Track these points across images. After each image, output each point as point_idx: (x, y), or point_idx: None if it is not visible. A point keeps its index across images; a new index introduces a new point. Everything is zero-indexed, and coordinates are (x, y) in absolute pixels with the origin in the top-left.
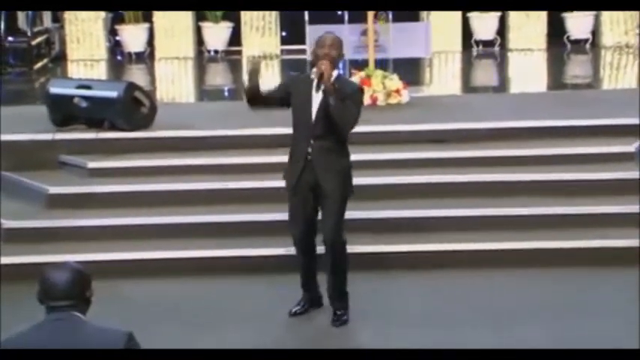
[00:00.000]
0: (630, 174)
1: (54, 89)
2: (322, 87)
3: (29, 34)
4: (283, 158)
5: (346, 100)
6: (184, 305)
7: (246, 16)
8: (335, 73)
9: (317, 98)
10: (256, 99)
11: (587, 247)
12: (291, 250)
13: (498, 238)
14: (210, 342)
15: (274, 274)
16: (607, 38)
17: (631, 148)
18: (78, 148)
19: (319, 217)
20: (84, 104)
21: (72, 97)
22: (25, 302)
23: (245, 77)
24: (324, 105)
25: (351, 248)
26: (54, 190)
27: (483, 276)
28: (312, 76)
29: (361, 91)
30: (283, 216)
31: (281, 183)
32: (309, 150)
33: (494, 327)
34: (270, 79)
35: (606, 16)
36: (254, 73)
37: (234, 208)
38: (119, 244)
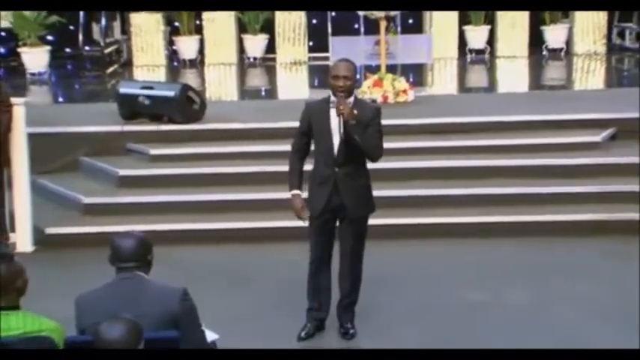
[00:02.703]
0: (596, 160)
1: (122, 89)
2: (345, 123)
3: (102, 44)
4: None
5: (369, 129)
6: (225, 267)
7: (279, 28)
8: (352, 99)
9: (337, 127)
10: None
11: (561, 221)
12: None
13: (488, 212)
14: (244, 298)
15: (301, 242)
16: (579, 47)
17: (597, 138)
18: (142, 138)
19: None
20: (147, 102)
21: (137, 96)
22: (99, 264)
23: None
24: (345, 135)
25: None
26: (123, 172)
27: (474, 244)
28: (331, 105)
29: (379, 111)
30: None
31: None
32: (335, 176)
33: (485, 285)
34: (300, 82)
35: (578, 28)
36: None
37: (269, 188)
38: (175, 216)
